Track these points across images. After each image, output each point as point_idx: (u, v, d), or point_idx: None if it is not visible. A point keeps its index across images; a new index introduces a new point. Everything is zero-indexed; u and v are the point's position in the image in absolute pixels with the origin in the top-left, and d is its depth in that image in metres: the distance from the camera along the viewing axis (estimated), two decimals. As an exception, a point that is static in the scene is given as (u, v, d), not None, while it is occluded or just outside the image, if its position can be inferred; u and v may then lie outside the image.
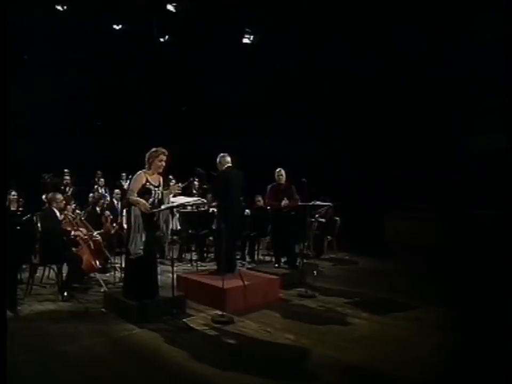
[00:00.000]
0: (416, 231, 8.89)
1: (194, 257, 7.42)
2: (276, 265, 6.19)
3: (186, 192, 10.14)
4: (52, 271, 5.74)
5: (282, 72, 10.30)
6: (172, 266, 4.40)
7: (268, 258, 7.66)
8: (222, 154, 5.49)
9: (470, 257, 7.21)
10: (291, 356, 3.58)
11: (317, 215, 7.43)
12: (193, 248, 8.01)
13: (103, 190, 8.72)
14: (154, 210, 4.22)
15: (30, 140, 8.48)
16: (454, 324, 4.38)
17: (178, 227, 7.74)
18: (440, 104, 8.66)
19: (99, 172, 9.30)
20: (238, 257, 6.84)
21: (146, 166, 4.38)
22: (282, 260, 6.31)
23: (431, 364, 3.43)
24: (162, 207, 4.31)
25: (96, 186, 8.90)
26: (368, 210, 9.51)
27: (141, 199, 4.18)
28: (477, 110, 8.39)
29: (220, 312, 4.43)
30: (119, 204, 7.94)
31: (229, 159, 5.46)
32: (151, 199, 4.30)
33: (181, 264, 7.07)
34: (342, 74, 9.26)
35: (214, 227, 7.45)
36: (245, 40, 10.83)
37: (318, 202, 5.65)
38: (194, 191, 9.79)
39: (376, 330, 4.15)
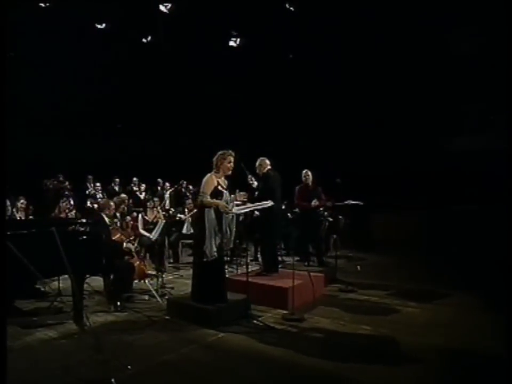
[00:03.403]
0: (402, 227, 9.61)
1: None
2: (306, 263, 6.39)
3: (179, 195, 9.98)
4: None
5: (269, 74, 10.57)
6: (247, 268, 4.43)
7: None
8: (262, 158, 5.59)
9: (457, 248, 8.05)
10: (383, 343, 3.81)
11: (325, 213, 7.74)
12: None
13: (100, 194, 8.27)
14: (234, 211, 4.21)
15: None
16: (494, 305, 4.84)
17: (191, 231, 7.62)
18: (424, 107, 9.48)
19: (90, 177, 8.80)
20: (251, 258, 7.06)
21: (215, 169, 4.37)
22: (296, 258, 6.51)
23: (503, 341, 3.85)
24: (235, 209, 4.31)
25: (89, 191, 8.42)
26: (355, 209, 10.07)
27: (218, 201, 4.16)
28: (456, 113, 9.31)
29: (285, 311, 4.56)
30: (125, 208, 7.62)
31: (268, 161, 5.57)
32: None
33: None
34: (338, 75, 9.73)
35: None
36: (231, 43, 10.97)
37: (352, 202, 5.95)
38: (188, 194, 9.67)
39: (434, 316, 4.55)
